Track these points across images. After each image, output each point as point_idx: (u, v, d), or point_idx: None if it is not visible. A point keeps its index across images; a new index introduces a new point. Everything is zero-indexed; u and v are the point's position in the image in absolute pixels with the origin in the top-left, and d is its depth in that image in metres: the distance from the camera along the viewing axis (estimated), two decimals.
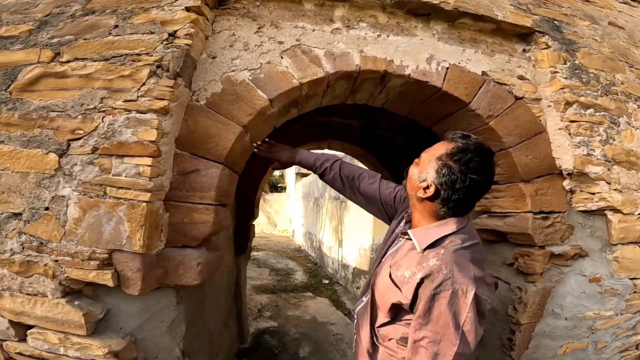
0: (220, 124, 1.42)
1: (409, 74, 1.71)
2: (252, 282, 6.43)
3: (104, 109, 1.30)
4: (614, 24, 2.32)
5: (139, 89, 1.29)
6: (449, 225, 1.06)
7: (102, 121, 1.28)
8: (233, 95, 1.47)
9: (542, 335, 1.98)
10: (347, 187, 1.54)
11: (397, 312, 1.08)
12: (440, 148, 1.08)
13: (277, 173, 19.27)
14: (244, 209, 3.10)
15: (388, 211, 1.47)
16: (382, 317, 1.14)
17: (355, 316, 1.31)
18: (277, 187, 18.85)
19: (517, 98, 1.86)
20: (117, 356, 1.29)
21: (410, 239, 1.10)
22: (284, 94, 1.54)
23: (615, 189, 1.84)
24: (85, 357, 1.27)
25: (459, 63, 1.81)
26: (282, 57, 1.59)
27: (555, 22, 2.04)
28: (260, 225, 17.24)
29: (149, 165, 1.22)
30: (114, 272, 1.23)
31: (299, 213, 13.18)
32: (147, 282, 1.25)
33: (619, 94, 2.02)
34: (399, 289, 1.05)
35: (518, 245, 1.91)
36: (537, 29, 1.93)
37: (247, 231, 3.14)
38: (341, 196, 7.23)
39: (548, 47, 1.93)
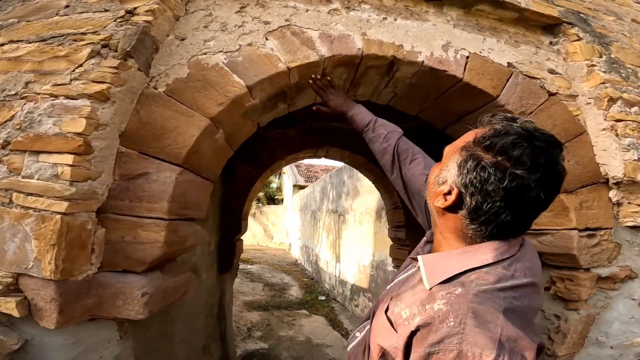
0: (182, 115, 1.10)
1: (423, 61, 1.42)
2: (244, 298, 6.10)
3: (26, 94, 1.00)
4: (636, 21, 2.11)
5: (74, 70, 1.00)
6: (481, 254, 0.66)
7: (22, 109, 0.96)
8: (201, 82, 1.16)
9: None
10: (395, 166, 1.15)
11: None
12: (469, 135, 0.71)
13: (273, 185, 19.00)
14: (230, 223, 2.74)
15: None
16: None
17: (348, 357, 0.93)
18: (274, 199, 18.55)
19: (551, 94, 1.57)
20: None
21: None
22: (267, 80, 1.23)
23: None
24: None
25: (480, 52, 1.54)
26: (266, 39, 1.30)
27: (581, 14, 1.83)
28: (257, 237, 16.94)
29: (71, 165, 0.90)
30: (23, 299, 0.94)
31: (295, 226, 12.86)
32: (68, 314, 0.96)
33: None
34: (391, 333, 0.70)
35: (555, 267, 1.58)
36: (564, 19, 1.71)
37: (232, 247, 2.79)
38: (339, 209, 7.10)
39: (579, 39, 1.70)
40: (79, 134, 0.91)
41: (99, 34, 1.08)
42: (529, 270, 0.67)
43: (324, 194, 8.47)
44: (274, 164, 2.94)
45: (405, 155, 1.12)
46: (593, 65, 1.63)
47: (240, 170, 2.75)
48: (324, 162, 17.99)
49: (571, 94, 1.63)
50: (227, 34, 1.27)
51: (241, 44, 1.26)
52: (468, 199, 0.66)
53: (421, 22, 1.52)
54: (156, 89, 1.14)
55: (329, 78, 1.43)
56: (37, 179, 0.90)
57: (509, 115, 0.69)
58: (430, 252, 0.81)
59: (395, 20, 1.47)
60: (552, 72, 1.66)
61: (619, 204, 1.56)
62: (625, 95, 1.58)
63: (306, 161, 18.34)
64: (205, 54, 1.23)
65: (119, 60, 1.02)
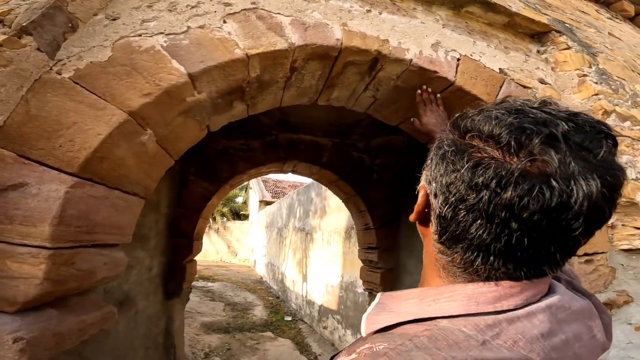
0: (88, 107, 0.78)
1: (411, 60, 1.22)
2: (203, 319, 5.69)
3: None
4: (612, 35, 2.10)
5: None
6: (448, 296, 0.39)
7: None
8: (126, 67, 0.86)
9: None
10: None
11: None
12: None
13: (239, 200, 18.43)
14: (180, 244, 2.36)
15: None
16: None
17: None
18: (239, 215, 17.89)
19: None
20: None
21: None
22: (217, 69, 0.95)
23: None
24: None
25: (471, 55, 1.37)
26: (224, 22, 1.03)
27: (567, 24, 1.74)
28: (220, 253, 16.24)
29: None
30: None
31: (261, 243, 12.38)
32: None
33: None
34: None
35: None
36: (553, 27, 1.61)
37: (182, 270, 2.39)
38: (307, 227, 6.79)
39: (569, 47, 1.58)
40: None
41: None
42: (538, 343, 0.37)
43: (291, 211, 8.16)
44: (234, 179, 2.59)
45: None
46: (585, 76, 1.51)
47: (194, 184, 2.39)
48: (291, 177, 17.30)
49: None
50: (175, 14, 1.01)
51: (191, 25, 0.99)
52: (433, 202, 0.42)
53: (409, 18, 1.33)
54: (60, 74, 0.83)
55: (438, 95, 1.28)
56: None
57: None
58: None
59: (380, 13, 1.27)
60: (542, 81, 1.53)
61: (613, 226, 1.44)
62: (618, 109, 1.47)
63: (273, 176, 17.96)
64: (140, 35, 0.94)
65: (7, 36, 0.75)
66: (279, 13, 1.10)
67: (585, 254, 1.33)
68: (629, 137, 1.44)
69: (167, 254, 2.29)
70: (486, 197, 0.34)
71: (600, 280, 1.39)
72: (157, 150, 0.98)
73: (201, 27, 1.00)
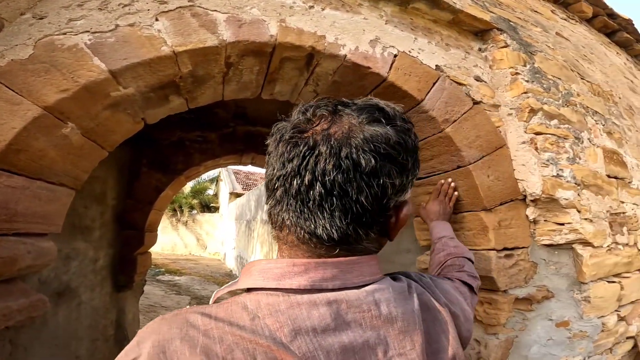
0: (5, 102, 0.81)
1: (345, 55, 1.28)
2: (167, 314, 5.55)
3: None
4: (560, 35, 2.21)
5: None
6: (254, 271, 0.46)
7: None
8: (46, 64, 0.89)
9: None
10: None
11: None
12: None
13: (210, 192, 18.19)
14: (130, 236, 2.37)
15: None
16: None
17: None
18: (209, 207, 17.65)
19: (475, 102, 1.52)
20: None
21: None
22: (142, 65, 0.98)
23: (586, 219, 1.55)
24: None
25: (410, 52, 1.44)
26: (156, 19, 1.06)
27: (512, 22, 1.83)
28: (189, 247, 16.04)
29: None
30: None
31: (231, 235, 12.36)
32: None
33: (577, 105, 1.79)
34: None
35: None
36: (495, 25, 1.69)
37: (132, 263, 2.40)
38: None
39: (507, 45, 1.67)
40: None
41: None
42: (306, 336, 0.39)
43: (259, 203, 8.21)
44: (189, 170, 2.61)
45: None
46: (517, 74, 1.60)
47: (146, 176, 2.40)
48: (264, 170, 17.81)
49: (494, 104, 1.59)
50: (105, 13, 1.02)
51: (120, 23, 1.01)
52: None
53: (352, 14, 1.38)
54: None
55: (455, 193, 1.37)
56: None
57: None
58: None
59: (323, 9, 1.32)
60: (478, 79, 1.62)
61: (535, 221, 1.53)
62: (545, 107, 1.57)
63: (245, 168, 17.91)
64: (64, 33, 0.96)
65: None
66: (215, 10, 1.13)
67: (505, 249, 1.43)
68: (554, 135, 1.54)
69: (115, 246, 2.30)
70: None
71: (521, 275, 1.48)
72: (83, 142, 1.01)
73: (131, 25, 1.02)
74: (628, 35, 2.91)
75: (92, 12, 1.02)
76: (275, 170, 0.46)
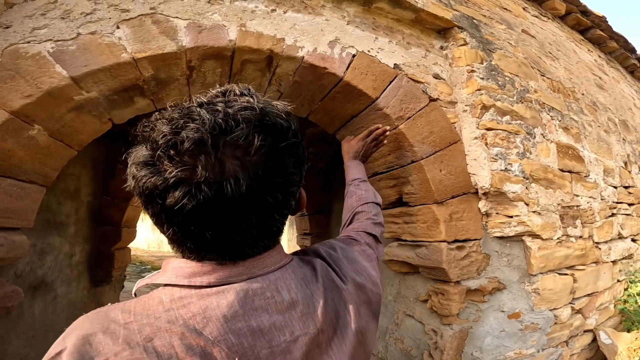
0: None
1: (303, 57, 1.36)
2: None
3: None
4: (526, 32, 2.28)
5: None
6: (168, 268, 0.52)
7: None
8: (11, 71, 0.98)
9: None
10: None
11: None
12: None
13: None
14: (106, 232, 2.45)
15: None
16: None
17: None
18: None
19: (432, 99, 1.61)
20: None
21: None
22: (103, 71, 1.07)
23: (534, 211, 1.67)
24: None
25: (369, 51, 1.53)
26: (117, 27, 1.13)
27: (475, 20, 1.91)
28: None
29: None
30: None
31: None
32: None
33: (533, 102, 1.90)
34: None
35: (432, 279, 1.60)
36: (456, 23, 1.76)
37: (110, 258, 2.48)
38: None
39: (466, 43, 1.76)
40: None
41: None
42: (217, 322, 0.46)
43: None
44: None
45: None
46: (473, 71, 1.69)
47: (122, 172, 2.40)
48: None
49: (451, 101, 1.69)
50: (67, 21, 1.09)
51: (82, 32, 1.09)
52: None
53: (313, 16, 1.45)
54: None
55: (386, 130, 1.32)
56: None
57: None
58: None
59: (285, 12, 1.39)
60: (436, 76, 1.70)
61: (487, 214, 1.62)
62: (498, 104, 1.67)
63: None
64: (29, 42, 1.04)
65: None
66: (176, 17, 1.21)
67: (456, 240, 1.52)
68: (505, 130, 1.64)
69: (92, 242, 2.37)
70: (155, 207, 0.45)
71: (473, 267, 1.56)
72: (50, 143, 1.09)
73: (92, 33, 1.10)
74: (601, 33, 3.00)
75: (54, 21, 1.09)
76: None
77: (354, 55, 1.46)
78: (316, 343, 0.51)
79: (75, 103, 1.05)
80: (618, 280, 2.43)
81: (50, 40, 1.06)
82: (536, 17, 2.56)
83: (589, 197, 2.10)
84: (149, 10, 1.18)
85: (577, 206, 1.97)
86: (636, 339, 2.20)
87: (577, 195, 2.00)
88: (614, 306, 2.42)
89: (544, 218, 1.69)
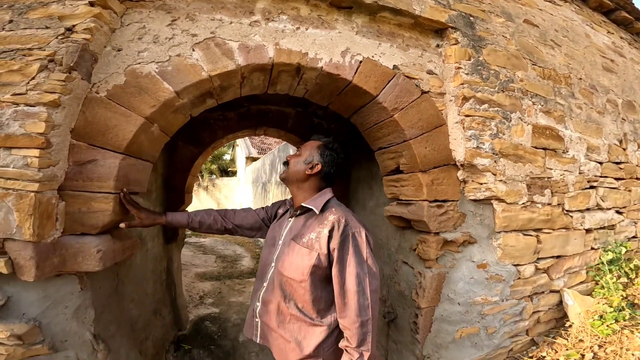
0: (121, 115, 1.49)
1: (322, 67, 1.84)
2: (197, 270, 6.42)
3: None
4: (529, 22, 2.50)
5: (28, 82, 1.31)
6: (328, 194, 1.48)
7: None
8: (136, 88, 1.53)
9: (441, 320, 2.22)
10: (219, 225, 1.77)
11: (314, 272, 1.34)
12: (314, 142, 1.55)
13: (227, 157, 19.04)
14: (173, 197, 3.16)
15: (267, 225, 1.78)
16: (298, 287, 1.37)
17: (259, 303, 1.49)
18: (227, 172, 18.65)
19: (424, 92, 2.06)
20: (21, 338, 1.39)
21: (302, 214, 1.47)
22: (192, 86, 1.62)
23: (500, 180, 2.13)
24: None
25: (373, 57, 1.95)
26: (193, 50, 1.64)
27: (471, 18, 2.19)
28: None
29: (37, 157, 1.28)
30: (8, 259, 1.30)
31: (248, 198, 13.26)
32: (42, 270, 1.33)
33: (515, 90, 2.25)
34: (311, 250, 1.34)
35: (419, 231, 2.15)
36: (450, 24, 2.08)
37: None
38: (283, 182, 7.51)
39: (457, 42, 2.09)
40: (40, 133, 1.29)
41: (44, 50, 1.34)
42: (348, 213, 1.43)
43: (273, 166, 8.93)
44: (214, 143, 3.36)
45: (223, 214, 1.79)
46: (459, 68, 2.06)
47: (182, 149, 3.15)
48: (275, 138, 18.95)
49: (441, 92, 2.12)
50: (158, 45, 1.60)
51: (171, 54, 1.60)
52: (326, 168, 1.48)
53: (329, 30, 1.87)
54: (98, 93, 1.49)
55: (127, 194, 1.57)
56: (13, 167, 1.27)
57: (329, 139, 1.55)
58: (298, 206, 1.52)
59: (306, 29, 1.82)
60: (430, 72, 2.11)
61: (465, 181, 2.09)
62: (478, 95, 2.07)
63: None
64: (139, 63, 1.56)
65: (65, 74, 1.32)
66: (230, 40, 1.69)
67: (436, 200, 2.01)
68: (481, 116, 2.06)
69: (164, 205, 3.05)
70: (339, 166, 1.53)
71: (450, 222, 2.04)
72: (159, 134, 1.71)
73: (178, 55, 1.60)
74: (626, 15, 3.11)
75: (150, 45, 1.58)
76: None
77: (360, 62, 1.89)
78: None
79: (175, 108, 1.65)
80: (592, 248, 2.72)
81: (153, 62, 1.57)
82: (549, 2, 2.71)
83: (564, 170, 2.46)
84: (210, 34, 1.66)
85: (549, 178, 2.37)
86: (598, 303, 2.55)
87: (550, 169, 2.37)
88: (586, 272, 2.71)
89: (509, 186, 2.15)
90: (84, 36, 1.39)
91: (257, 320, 1.49)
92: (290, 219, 1.52)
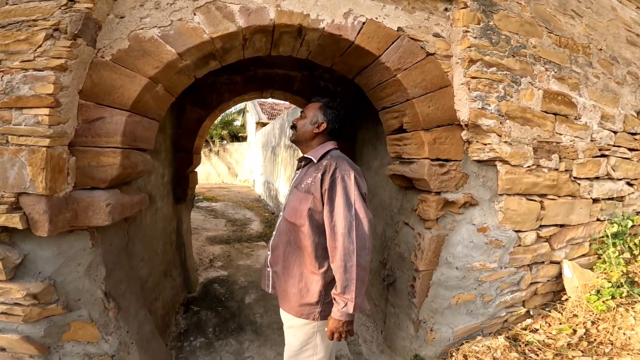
0: (126, 77, 1.57)
1: (323, 28, 1.86)
2: (207, 234, 6.60)
3: (2, 69, 1.41)
4: None
5: (35, 50, 1.40)
6: (329, 146, 1.63)
7: (1, 80, 1.39)
8: (140, 51, 1.60)
9: (438, 285, 2.29)
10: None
11: (311, 215, 1.46)
12: (316, 104, 1.68)
13: (237, 123, 19.13)
14: (182, 158, 3.27)
15: None
16: (299, 232, 1.50)
17: (269, 252, 1.64)
18: (238, 137, 18.81)
19: (429, 54, 2.06)
20: (37, 298, 1.48)
21: (305, 165, 1.63)
22: (194, 48, 1.67)
23: (505, 142, 2.14)
24: (8, 301, 1.48)
25: (377, 18, 1.95)
26: (194, 14, 1.69)
27: None
28: (221, 175, 17.51)
29: (47, 115, 1.37)
30: (23, 215, 1.38)
31: (258, 162, 13.47)
32: (55, 224, 1.41)
33: (527, 56, 2.21)
34: (308, 194, 1.47)
35: (421, 191, 2.20)
36: None
37: (186, 179, 3.33)
38: (294, 145, 7.56)
39: (466, 7, 2.07)
40: (49, 94, 1.38)
41: (49, 20, 1.42)
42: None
43: (282, 130, 8.96)
44: (221, 105, 3.43)
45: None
46: (467, 31, 2.04)
47: (190, 111, 3.23)
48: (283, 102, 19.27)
49: (447, 55, 2.11)
50: (160, 11, 1.66)
51: (172, 19, 1.66)
52: (330, 125, 1.63)
53: None
54: (103, 57, 1.57)
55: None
56: (25, 125, 1.37)
57: (328, 99, 1.68)
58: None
59: None
60: (436, 35, 2.10)
61: (469, 142, 2.11)
62: (486, 58, 2.05)
63: (270, 100, 19.18)
64: (142, 29, 1.63)
65: (70, 41, 1.41)
66: (231, 3, 1.72)
67: (438, 159, 2.06)
68: (488, 79, 2.04)
69: (173, 165, 3.16)
70: (341, 121, 1.67)
71: (452, 182, 2.09)
72: (164, 94, 1.78)
73: (179, 20, 1.66)
74: None
75: (152, 11, 1.64)
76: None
77: (363, 23, 1.89)
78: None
79: (179, 69, 1.71)
80: (598, 220, 2.69)
81: (156, 27, 1.63)
82: None
83: (575, 136, 2.43)
84: None
85: (558, 143, 2.35)
86: (597, 277, 2.53)
87: (560, 134, 2.36)
88: (590, 245, 2.67)
89: (514, 148, 2.16)
90: (86, 5, 1.45)
91: (268, 269, 1.63)
92: (297, 171, 1.69)
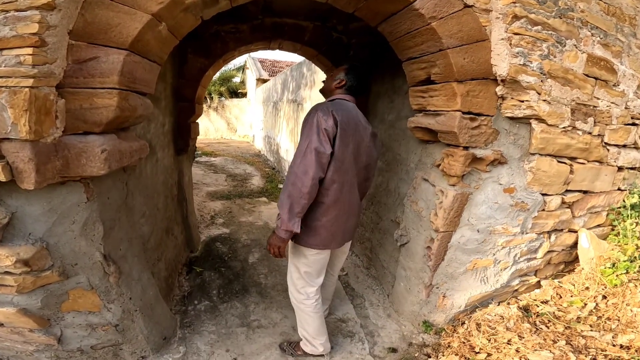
0: (125, 14, 1.32)
1: None
2: (207, 189, 6.49)
3: None
4: None
5: None
6: (338, 96, 1.88)
7: None
8: None
9: (456, 248, 2.20)
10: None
11: None
12: (342, 67, 1.94)
13: (237, 79, 18.62)
14: (184, 107, 3.04)
15: None
16: None
17: None
18: (237, 93, 18.30)
19: (467, 5, 1.81)
20: (28, 264, 1.31)
21: None
22: None
23: (544, 100, 1.98)
24: None
25: None
26: None
27: None
28: (220, 131, 17.17)
29: (31, 55, 1.16)
30: (6, 164, 1.18)
31: (259, 117, 13.21)
32: (43, 174, 1.22)
33: (575, 19, 2.02)
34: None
35: (446, 145, 2.05)
36: None
37: (187, 129, 3.12)
38: (298, 99, 7.51)
39: None
40: (33, 34, 1.15)
41: None
42: (349, 106, 1.80)
43: (285, 85, 8.68)
44: (225, 55, 3.11)
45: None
46: None
47: (192, 60, 2.95)
48: (288, 57, 20.76)
49: (487, 9, 1.85)
50: None
51: None
52: (348, 82, 1.88)
53: None
54: None
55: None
56: (5, 66, 1.15)
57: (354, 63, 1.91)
58: None
59: None
60: None
61: (503, 97, 1.96)
62: (532, 16, 1.85)
63: (270, 57, 20.81)
64: None
65: None
66: None
67: (470, 112, 1.89)
68: (532, 37, 1.85)
69: (174, 115, 2.95)
70: (361, 79, 1.91)
71: (482, 138, 1.94)
72: (167, 35, 1.53)
73: None
74: None
75: None
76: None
77: None
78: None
79: (186, 5, 1.45)
80: (619, 189, 2.63)
81: None
82: None
83: (611, 102, 2.30)
84: None
85: (595, 107, 2.22)
86: (612, 249, 2.47)
87: (598, 98, 2.22)
88: (607, 215, 2.63)
89: (553, 107, 2.00)
90: None
91: None
92: None
